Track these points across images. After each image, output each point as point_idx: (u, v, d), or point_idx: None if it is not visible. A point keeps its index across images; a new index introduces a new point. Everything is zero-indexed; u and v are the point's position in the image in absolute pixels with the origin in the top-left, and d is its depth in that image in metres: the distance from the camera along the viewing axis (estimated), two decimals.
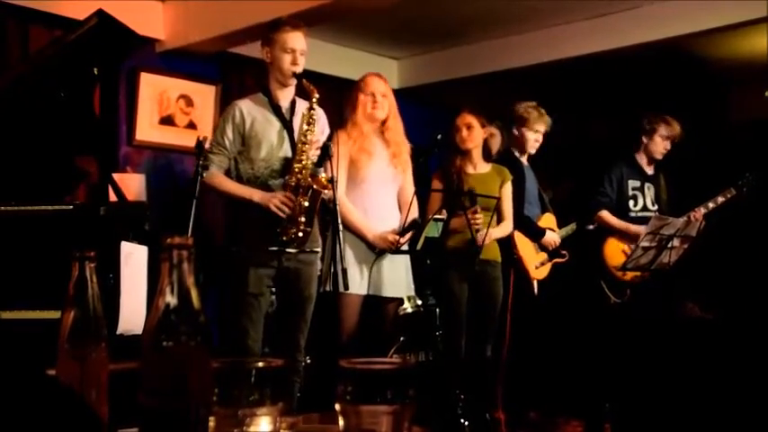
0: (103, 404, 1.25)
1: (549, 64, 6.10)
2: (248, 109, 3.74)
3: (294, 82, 3.75)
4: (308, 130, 3.64)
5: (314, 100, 3.65)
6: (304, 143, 3.63)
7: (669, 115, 5.10)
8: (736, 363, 5.07)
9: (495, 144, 5.22)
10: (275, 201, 3.58)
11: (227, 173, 3.76)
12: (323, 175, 3.65)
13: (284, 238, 3.61)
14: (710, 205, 4.95)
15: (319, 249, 3.89)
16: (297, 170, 3.62)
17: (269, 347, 3.96)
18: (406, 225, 3.98)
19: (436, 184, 4.52)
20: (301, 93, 3.85)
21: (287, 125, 3.75)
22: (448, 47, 6.60)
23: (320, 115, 3.85)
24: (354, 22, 5.76)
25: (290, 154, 3.70)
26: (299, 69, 3.70)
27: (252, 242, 3.65)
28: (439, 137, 4.48)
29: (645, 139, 5.08)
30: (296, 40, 3.72)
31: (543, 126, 4.93)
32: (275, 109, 3.77)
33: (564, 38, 5.93)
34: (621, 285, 4.85)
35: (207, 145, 3.73)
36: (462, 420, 4.20)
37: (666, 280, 4.84)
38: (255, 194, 3.64)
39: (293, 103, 3.82)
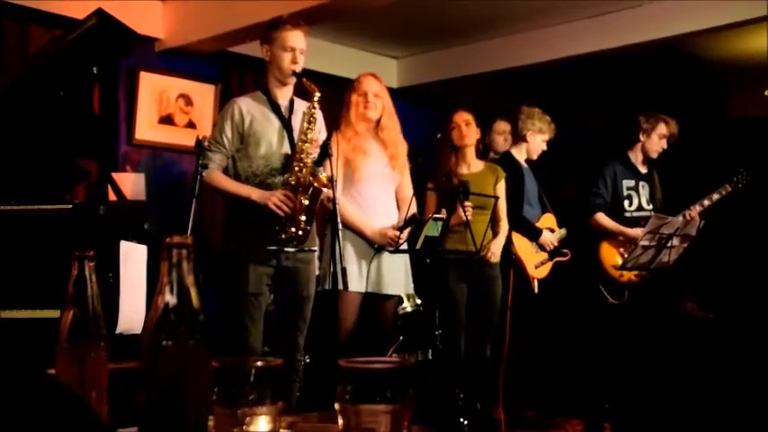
0: (103, 404, 1.25)
1: (549, 63, 6.10)
2: (247, 107, 3.73)
3: (293, 81, 3.75)
4: (308, 128, 3.64)
5: (315, 99, 3.64)
6: (305, 141, 3.63)
7: (667, 114, 5.08)
8: (735, 362, 5.08)
9: (501, 140, 5.26)
10: (274, 199, 3.56)
11: (225, 171, 3.75)
12: (323, 174, 3.65)
13: (283, 237, 3.60)
14: (706, 202, 4.93)
15: (316, 248, 3.89)
16: (297, 168, 3.61)
17: (268, 347, 3.96)
18: (406, 220, 3.98)
19: (431, 185, 4.52)
20: (299, 92, 3.85)
21: (286, 124, 3.74)
22: (447, 46, 6.60)
23: (318, 115, 3.86)
24: (353, 21, 5.76)
25: (289, 152, 3.69)
26: (298, 68, 3.70)
27: (251, 241, 3.64)
28: (438, 136, 4.49)
29: (642, 138, 5.06)
30: (296, 38, 3.71)
31: (550, 134, 4.99)
32: (274, 107, 3.76)
33: (563, 37, 5.93)
34: (620, 287, 4.84)
35: (206, 143, 3.73)
36: (462, 419, 4.21)
37: (666, 279, 4.84)
38: (254, 193, 3.62)
39: (291, 102, 3.82)
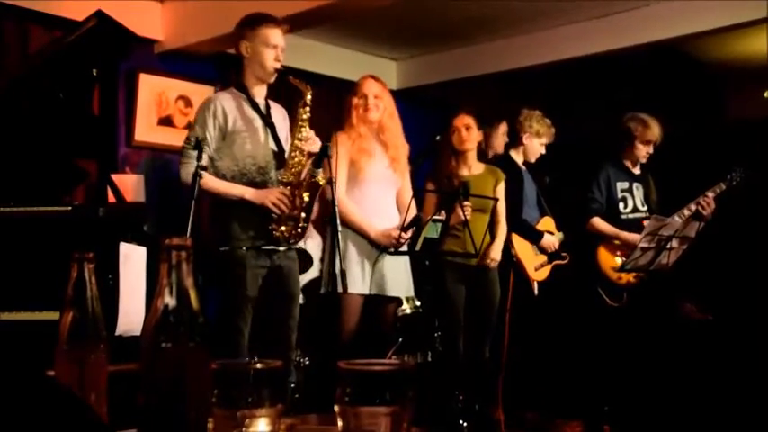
0: (102, 405, 1.25)
1: (549, 65, 6.10)
2: (229, 105, 3.65)
3: (274, 79, 3.70)
4: (302, 126, 3.60)
5: (308, 97, 3.60)
6: (299, 139, 3.59)
7: (661, 114, 5.04)
8: (734, 363, 5.08)
9: (502, 141, 5.26)
10: (272, 198, 3.52)
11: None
12: (321, 175, 3.63)
13: (277, 235, 3.57)
14: (701, 200, 4.92)
15: (301, 245, 3.87)
16: (291, 167, 3.59)
17: (262, 348, 3.93)
18: (408, 222, 3.98)
19: (430, 187, 4.52)
20: (277, 91, 3.81)
21: (268, 122, 3.69)
22: (447, 48, 6.61)
23: (283, 112, 3.83)
24: (353, 23, 5.76)
25: (275, 150, 3.65)
26: (279, 66, 3.66)
27: (246, 242, 3.59)
28: (438, 138, 4.49)
29: (626, 144, 5.02)
30: (278, 36, 3.66)
31: (548, 139, 4.98)
32: (254, 105, 3.69)
33: (562, 39, 5.93)
34: (618, 289, 4.84)
35: (201, 143, 3.63)
36: (461, 421, 4.21)
37: (664, 281, 4.83)
38: (247, 192, 3.56)
39: (266, 100, 3.77)
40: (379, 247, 4.05)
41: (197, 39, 5.33)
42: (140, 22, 4.97)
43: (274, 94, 3.89)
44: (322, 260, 4.15)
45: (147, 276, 2.84)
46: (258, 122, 3.67)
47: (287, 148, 3.69)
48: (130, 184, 4.86)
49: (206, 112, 3.62)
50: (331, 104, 6.12)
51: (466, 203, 4.14)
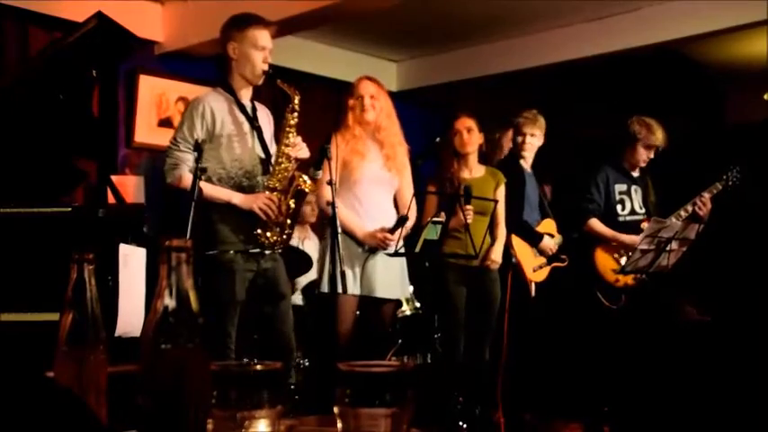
0: (102, 406, 1.25)
1: (549, 66, 6.10)
2: (217, 106, 3.59)
3: (261, 81, 3.66)
4: (289, 132, 3.56)
5: (296, 102, 3.57)
6: (287, 145, 3.55)
7: (663, 118, 5.03)
8: (734, 365, 5.08)
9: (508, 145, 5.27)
10: (259, 203, 3.48)
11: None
12: (311, 177, 3.61)
13: (262, 240, 3.53)
14: (698, 201, 4.91)
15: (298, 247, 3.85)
16: (278, 172, 3.55)
17: (263, 350, 3.93)
18: (394, 222, 3.97)
19: (432, 189, 4.52)
20: (264, 93, 3.80)
21: (254, 125, 3.65)
22: (447, 49, 6.61)
23: (267, 113, 3.81)
24: (354, 24, 5.77)
25: (261, 154, 3.62)
26: (267, 68, 3.61)
27: (233, 245, 3.54)
28: (437, 140, 4.49)
29: (627, 146, 5.01)
30: (266, 38, 3.62)
31: (534, 129, 4.90)
32: (241, 108, 3.65)
33: (562, 41, 5.93)
34: (616, 291, 4.83)
35: (201, 145, 3.60)
36: (461, 423, 4.21)
37: (664, 283, 4.83)
38: (235, 197, 3.52)
39: (252, 102, 3.73)
40: (366, 249, 4.04)
41: (197, 40, 5.33)
42: (141, 23, 4.98)
43: (269, 98, 3.86)
44: (319, 261, 4.14)
45: (146, 278, 2.84)
46: (246, 126, 3.63)
47: (272, 149, 3.66)
48: (130, 186, 4.86)
49: (194, 113, 3.56)
50: (331, 106, 6.13)
51: (467, 207, 4.14)
